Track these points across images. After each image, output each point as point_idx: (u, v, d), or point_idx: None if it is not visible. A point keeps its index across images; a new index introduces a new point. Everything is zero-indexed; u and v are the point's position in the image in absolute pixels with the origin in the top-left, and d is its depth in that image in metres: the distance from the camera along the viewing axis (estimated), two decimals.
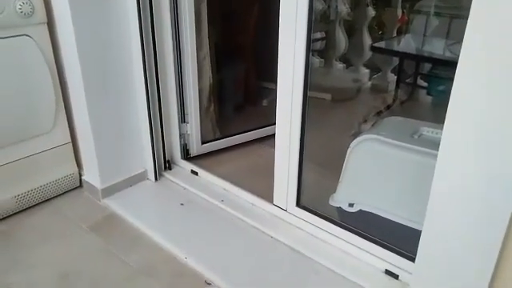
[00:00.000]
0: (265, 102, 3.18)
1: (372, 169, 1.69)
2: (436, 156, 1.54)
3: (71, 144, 2.14)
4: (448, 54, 2.98)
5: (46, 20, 1.87)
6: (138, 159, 2.20)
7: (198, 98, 2.28)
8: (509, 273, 1.00)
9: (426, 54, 3.19)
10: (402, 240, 1.59)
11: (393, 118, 1.99)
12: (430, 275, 1.21)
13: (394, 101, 3.22)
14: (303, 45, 1.60)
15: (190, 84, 2.22)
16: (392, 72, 3.69)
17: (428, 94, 3.40)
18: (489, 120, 0.98)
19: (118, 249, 1.80)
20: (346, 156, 1.74)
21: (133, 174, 2.20)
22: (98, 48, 1.87)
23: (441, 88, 3.30)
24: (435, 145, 1.62)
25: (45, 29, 1.88)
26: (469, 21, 0.96)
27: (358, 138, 1.71)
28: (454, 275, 1.15)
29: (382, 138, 1.66)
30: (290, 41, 1.62)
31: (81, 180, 2.21)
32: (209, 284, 1.63)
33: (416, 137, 1.69)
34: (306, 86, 1.67)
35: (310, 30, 1.59)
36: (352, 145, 1.72)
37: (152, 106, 2.08)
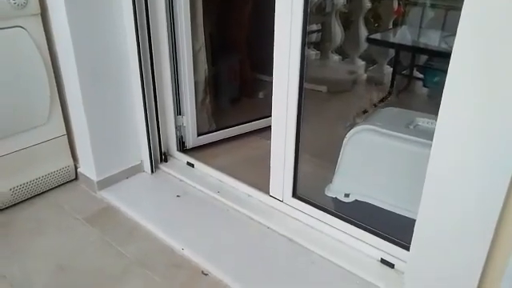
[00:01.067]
0: (261, 95, 3.17)
1: (368, 159, 1.70)
2: (430, 146, 1.55)
3: (66, 136, 2.13)
4: (444, 46, 2.98)
5: (39, 11, 1.85)
6: (134, 151, 2.20)
7: (193, 90, 2.28)
8: (501, 260, 1.01)
9: (421, 46, 3.19)
10: (397, 229, 1.60)
11: (388, 108, 2.00)
12: (425, 263, 1.22)
13: (389, 92, 3.22)
14: (299, 37, 1.60)
15: (185, 76, 2.21)
16: (388, 64, 3.69)
17: (424, 85, 3.41)
18: (483, 106, 0.98)
19: (115, 240, 1.80)
20: (342, 146, 1.75)
21: (129, 166, 2.20)
22: (93, 39, 1.86)
23: (436, 79, 3.31)
24: (430, 135, 1.62)
25: (38, 20, 1.87)
26: (463, 10, 0.96)
27: (354, 129, 1.71)
28: (447, 263, 1.16)
29: (377, 128, 1.66)
30: (286, 33, 1.62)
31: (76, 172, 2.21)
32: (206, 274, 1.64)
33: (411, 127, 1.69)
34: (302, 77, 1.67)
35: (306, 21, 1.59)
36: (348, 135, 1.72)
37: (147, 98, 2.07)
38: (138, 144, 2.19)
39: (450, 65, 1.03)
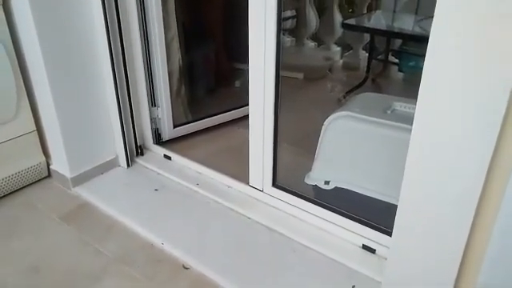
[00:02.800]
0: (237, 83, 3.13)
1: (346, 145, 1.69)
2: (409, 130, 1.55)
3: (36, 132, 2.05)
4: (417, 30, 2.98)
5: (0, 1, 1.76)
6: (109, 145, 2.14)
7: (167, 81, 2.22)
8: (480, 243, 1.02)
9: (396, 30, 3.19)
10: (378, 215, 1.60)
11: (366, 94, 1.99)
12: (407, 248, 1.22)
13: (366, 78, 3.22)
14: (274, 23, 1.57)
15: (158, 66, 2.15)
16: (363, 49, 3.69)
17: (399, 70, 3.43)
18: (462, 89, 0.97)
19: (92, 238, 1.75)
20: (321, 134, 1.74)
21: (104, 161, 2.13)
22: (59, 29, 1.78)
23: (412, 64, 3.33)
24: (408, 119, 1.62)
25: (0, 11, 1.77)
26: None
27: (332, 116, 1.70)
28: (428, 247, 1.17)
29: (355, 114, 1.65)
30: (261, 20, 1.58)
31: (49, 169, 2.13)
32: (187, 268, 1.61)
33: (389, 112, 1.69)
34: (278, 65, 1.64)
35: (281, 7, 1.55)
36: (326, 122, 1.71)
37: (120, 90, 2.01)
38: (113, 138, 2.13)
39: (427, 49, 1.01)
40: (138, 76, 2.11)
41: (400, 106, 1.71)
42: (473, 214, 1.00)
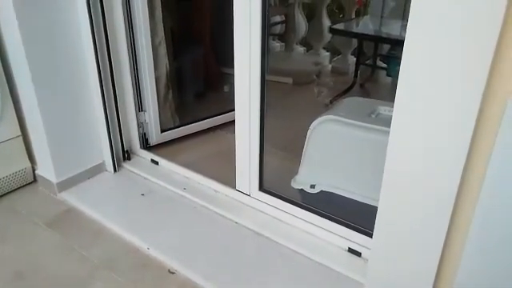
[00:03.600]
0: (226, 88, 3.13)
1: (331, 149, 1.70)
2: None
3: (21, 137, 2.03)
4: (404, 35, 3.01)
5: None
6: (95, 150, 2.13)
7: (154, 85, 2.22)
8: (457, 243, 1.03)
9: (383, 35, 3.22)
10: (363, 218, 1.60)
11: (352, 98, 2.01)
12: (387, 249, 1.23)
13: (354, 83, 3.25)
14: (258, 28, 1.58)
15: (145, 71, 2.15)
16: (352, 54, 3.73)
17: (388, 74, 3.45)
18: (435, 94, 0.99)
19: (78, 244, 1.74)
20: (307, 138, 1.74)
21: (90, 166, 2.12)
22: (45, 34, 1.77)
23: (399, 68, 3.35)
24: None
25: None
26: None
27: (318, 120, 1.71)
28: (407, 249, 1.17)
29: (340, 118, 1.66)
30: (245, 24, 1.59)
31: (34, 174, 2.11)
32: (173, 273, 1.60)
33: (373, 116, 1.70)
34: (264, 70, 1.65)
35: (265, 12, 1.56)
36: (311, 126, 1.72)
37: (106, 95, 2.00)
38: (99, 142, 2.12)
39: (402, 54, 1.03)
40: (125, 81, 2.10)
41: (384, 110, 1.73)
42: (449, 214, 1.01)
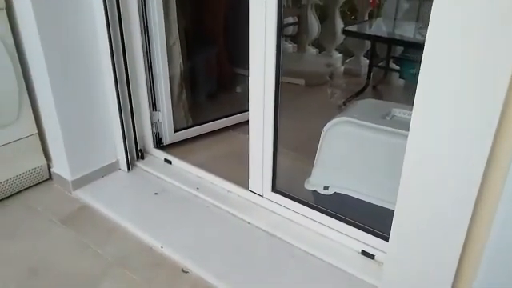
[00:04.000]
0: (238, 89, 3.15)
1: (346, 151, 1.69)
2: (407, 136, 1.55)
3: (38, 135, 2.06)
4: (418, 37, 3.00)
5: (4, 5, 1.78)
6: (109, 149, 2.15)
7: (168, 85, 2.24)
8: (477, 247, 1.02)
9: (397, 37, 3.21)
10: (377, 221, 1.60)
11: (366, 100, 2.00)
12: (404, 253, 1.22)
13: (367, 84, 3.24)
14: (274, 29, 1.58)
15: (160, 71, 2.16)
16: (365, 56, 3.71)
17: (400, 77, 3.44)
18: (459, 95, 0.98)
19: (92, 241, 1.76)
20: (320, 139, 1.74)
21: (104, 165, 2.14)
22: (62, 34, 1.80)
23: (413, 71, 3.34)
24: (407, 125, 1.63)
25: (3, 14, 1.79)
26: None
27: (332, 121, 1.70)
28: (426, 251, 1.17)
29: (354, 120, 1.66)
30: (261, 25, 1.60)
31: (50, 172, 2.14)
32: (186, 272, 1.61)
33: (388, 118, 1.69)
34: (278, 70, 1.65)
35: (281, 13, 1.57)
36: (325, 128, 1.71)
37: (121, 94, 2.02)
38: (113, 141, 2.14)
39: (423, 55, 1.03)
40: (140, 80, 2.12)
41: (399, 112, 1.72)
42: (469, 218, 1.01)
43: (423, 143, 1.08)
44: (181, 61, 2.34)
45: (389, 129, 1.58)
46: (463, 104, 0.97)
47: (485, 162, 0.95)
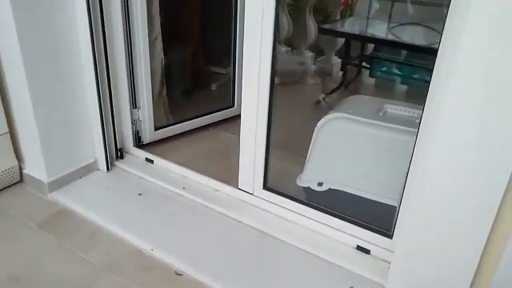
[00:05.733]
0: (214, 87, 3.10)
1: (340, 147, 1.69)
2: (402, 131, 1.58)
3: (9, 134, 1.92)
4: (390, 37, 3.07)
5: None
6: (88, 149, 2.04)
7: (150, 82, 2.15)
8: (499, 243, 1.02)
9: (369, 36, 3.28)
10: (372, 215, 1.61)
11: (356, 96, 2.02)
12: (414, 253, 1.20)
13: (342, 82, 3.28)
14: (271, 32, 1.61)
15: (141, 66, 2.08)
16: (336, 55, 3.76)
17: (370, 75, 3.51)
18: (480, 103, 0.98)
19: (75, 246, 1.65)
20: (314, 135, 1.73)
21: (82, 165, 2.03)
22: (40, 28, 1.68)
23: (383, 69, 3.42)
24: (400, 121, 1.66)
25: None
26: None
27: (325, 117, 1.70)
28: (437, 251, 1.17)
29: (349, 115, 1.66)
30: (257, 28, 1.60)
31: (21, 174, 2.00)
32: (180, 274, 1.55)
33: (381, 114, 1.71)
34: (273, 69, 1.67)
35: (278, 18, 1.60)
36: (319, 124, 1.71)
37: (102, 91, 1.91)
38: (92, 140, 2.03)
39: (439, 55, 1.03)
40: (120, 76, 2.02)
41: (391, 108, 1.74)
42: (493, 218, 1.00)
43: (434, 143, 1.08)
44: (162, 56, 2.26)
45: (384, 124, 1.60)
46: (490, 111, 0.97)
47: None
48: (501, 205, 0.98)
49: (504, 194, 0.96)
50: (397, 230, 1.29)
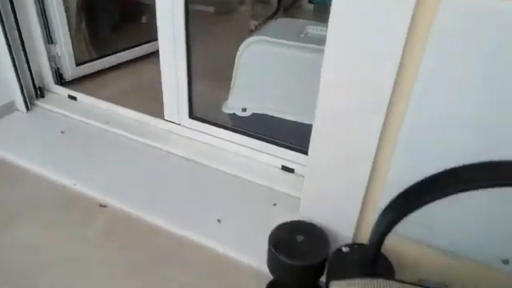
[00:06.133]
0: (144, 19, 2.94)
1: (261, 70, 1.67)
2: (320, 51, 1.56)
3: None
4: None
5: None
6: (1, 89, 1.91)
7: (64, 15, 2.00)
8: (387, 152, 1.07)
9: None
10: (295, 137, 1.64)
11: (279, 19, 1.97)
12: (321, 164, 1.25)
13: (278, 9, 3.19)
14: None
15: None
16: None
17: (310, 1, 3.44)
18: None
19: None
20: (236, 61, 1.69)
21: None
22: None
23: None
24: (321, 41, 1.64)
25: None
26: None
27: (246, 41, 1.66)
28: (342, 158, 1.21)
29: (268, 38, 1.63)
30: None
31: None
32: (104, 206, 1.54)
33: (302, 35, 1.68)
34: None
35: None
36: (240, 48, 1.66)
37: (7, 25, 1.76)
38: (5, 80, 1.90)
39: None
40: (29, 9, 1.86)
41: (313, 29, 1.72)
42: (381, 123, 1.05)
43: (338, 48, 1.08)
44: None
45: (304, 45, 1.58)
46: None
47: (396, 68, 0.96)
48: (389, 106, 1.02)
49: (391, 94, 1.00)
50: (310, 146, 1.31)
